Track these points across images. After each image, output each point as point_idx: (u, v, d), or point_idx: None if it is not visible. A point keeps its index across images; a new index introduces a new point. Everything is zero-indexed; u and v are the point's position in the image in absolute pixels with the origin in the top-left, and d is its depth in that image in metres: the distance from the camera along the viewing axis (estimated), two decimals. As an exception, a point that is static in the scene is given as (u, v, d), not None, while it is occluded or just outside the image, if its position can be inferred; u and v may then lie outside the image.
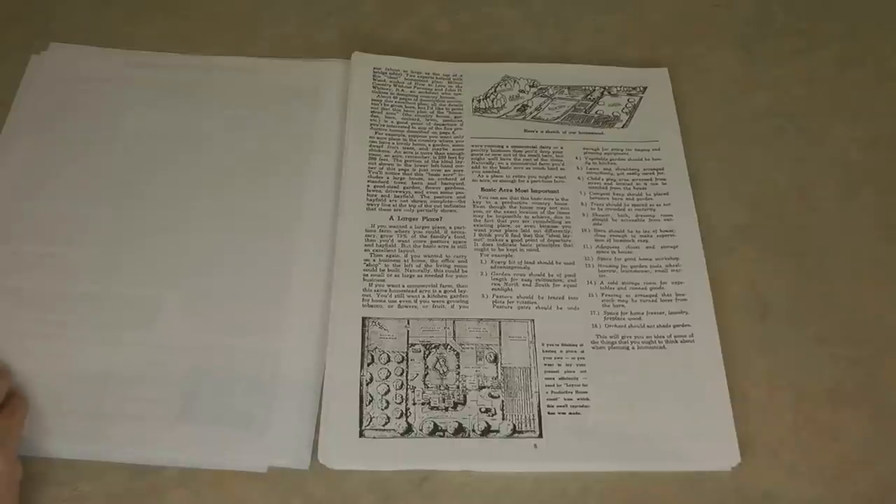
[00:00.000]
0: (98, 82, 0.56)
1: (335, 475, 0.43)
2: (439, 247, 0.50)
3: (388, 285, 0.49)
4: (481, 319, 0.48)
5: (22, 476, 0.41)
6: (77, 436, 0.43)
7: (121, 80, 0.56)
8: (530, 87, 0.57)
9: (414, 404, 0.45)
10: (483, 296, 0.49)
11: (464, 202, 0.52)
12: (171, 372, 0.45)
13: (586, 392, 0.46)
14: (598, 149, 0.55)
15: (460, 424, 0.45)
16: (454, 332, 0.47)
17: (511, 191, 0.53)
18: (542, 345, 0.47)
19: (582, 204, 0.52)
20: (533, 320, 0.48)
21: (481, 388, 0.46)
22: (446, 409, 0.45)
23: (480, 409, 0.45)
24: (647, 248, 0.51)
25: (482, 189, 0.53)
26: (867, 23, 0.62)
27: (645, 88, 0.57)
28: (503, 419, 0.45)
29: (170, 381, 0.45)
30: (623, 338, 0.48)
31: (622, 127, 0.56)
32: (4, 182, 0.51)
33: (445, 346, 0.47)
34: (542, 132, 0.55)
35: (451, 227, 0.51)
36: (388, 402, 0.45)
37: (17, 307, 0.47)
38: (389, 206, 0.51)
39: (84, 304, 0.47)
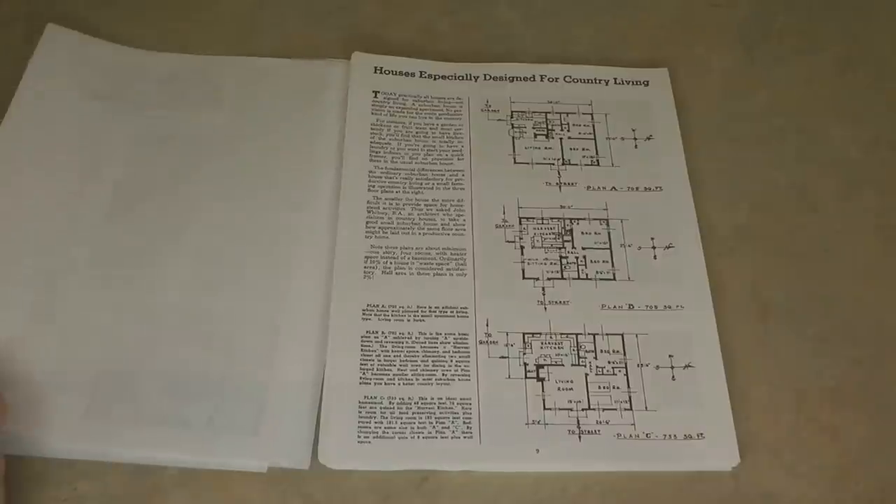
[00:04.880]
0: (97, 81, 0.55)
1: (335, 475, 0.43)
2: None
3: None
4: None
5: (3, 473, 0.40)
6: (77, 435, 0.43)
7: (120, 78, 0.56)
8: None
9: (414, 404, 0.45)
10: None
11: (464, 202, 0.52)
12: (171, 371, 0.45)
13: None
14: (598, 149, 0.55)
15: (460, 424, 0.45)
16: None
17: (511, 191, 0.53)
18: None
19: (582, 204, 0.53)
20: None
21: (481, 388, 0.46)
22: (446, 409, 0.45)
23: (480, 409, 0.45)
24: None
25: (482, 189, 0.53)
26: (867, 23, 0.62)
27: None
28: (503, 419, 0.45)
29: (170, 381, 0.45)
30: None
31: (622, 127, 0.56)
32: (2, 180, 0.51)
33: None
34: (542, 132, 0.55)
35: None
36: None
37: (15, 308, 0.47)
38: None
39: (83, 305, 0.47)
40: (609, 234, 0.51)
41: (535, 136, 0.55)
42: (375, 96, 0.56)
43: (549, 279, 0.49)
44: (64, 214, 0.50)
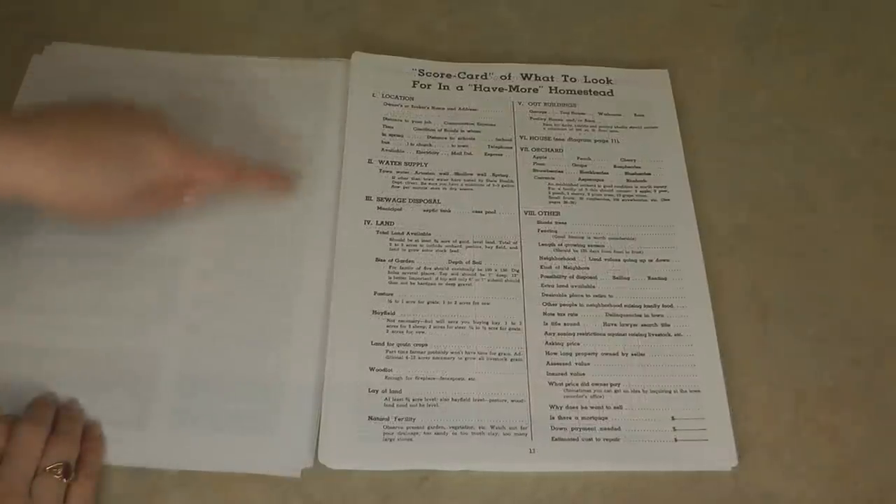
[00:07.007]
0: (98, 82, 0.55)
1: (335, 475, 0.43)
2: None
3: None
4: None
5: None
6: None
7: (121, 79, 0.56)
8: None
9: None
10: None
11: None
12: (173, 373, 0.45)
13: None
14: (597, 149, 0.55)
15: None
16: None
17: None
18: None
19: (582, 204, 0.53)
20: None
21: (481, 388, 0.46)
22: (446, 409, 0.45)
23: (480, 410, 0.45)
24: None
25: (482, 189, 0.53)
26: (867, 23, 0.62)
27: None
28: (503, 419, 0.45)
29: (171, 383, 0.45)
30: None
31: (622, 127, 0.56)
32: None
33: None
34: (541, 133, 0.55)
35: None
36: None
37: (26, 313, 0.47)
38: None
39: (85, 311, 0.47)
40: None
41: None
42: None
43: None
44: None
